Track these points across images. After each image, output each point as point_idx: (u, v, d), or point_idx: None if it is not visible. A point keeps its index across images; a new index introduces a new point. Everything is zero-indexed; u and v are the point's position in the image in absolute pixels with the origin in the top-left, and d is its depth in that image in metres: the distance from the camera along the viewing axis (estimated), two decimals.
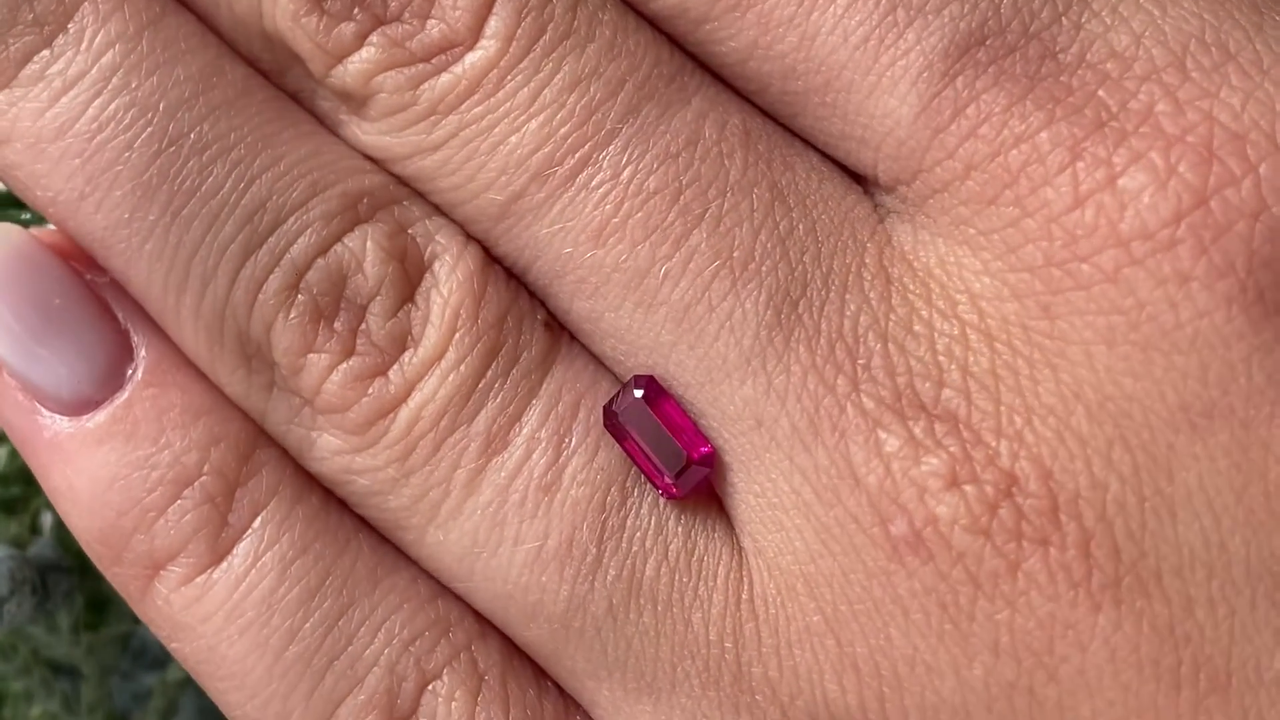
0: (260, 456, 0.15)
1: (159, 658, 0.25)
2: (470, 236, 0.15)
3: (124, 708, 0.25)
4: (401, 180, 0.15)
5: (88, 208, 0.15)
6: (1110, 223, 0.13)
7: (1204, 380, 0.13)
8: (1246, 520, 0.13)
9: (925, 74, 0.13)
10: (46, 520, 0.24)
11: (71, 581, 0.24)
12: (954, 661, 0.13)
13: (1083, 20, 0.13)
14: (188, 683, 0.24)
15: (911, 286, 0.14)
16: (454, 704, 0.15)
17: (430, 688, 0.15)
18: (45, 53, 0.15)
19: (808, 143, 0.15)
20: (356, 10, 0.15)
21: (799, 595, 0.14)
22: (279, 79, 0.15)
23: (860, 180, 0.15)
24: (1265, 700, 0.13)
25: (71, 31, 0.15)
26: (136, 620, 0.24)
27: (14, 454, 0.24)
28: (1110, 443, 0.13)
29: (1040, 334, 0.13)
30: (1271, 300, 0.13)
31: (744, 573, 0.14)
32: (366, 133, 0.15)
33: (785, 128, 0.15)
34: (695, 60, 0.15)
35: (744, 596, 0.14)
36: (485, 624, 0.15)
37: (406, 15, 0.15)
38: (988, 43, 0.13)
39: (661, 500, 0.15)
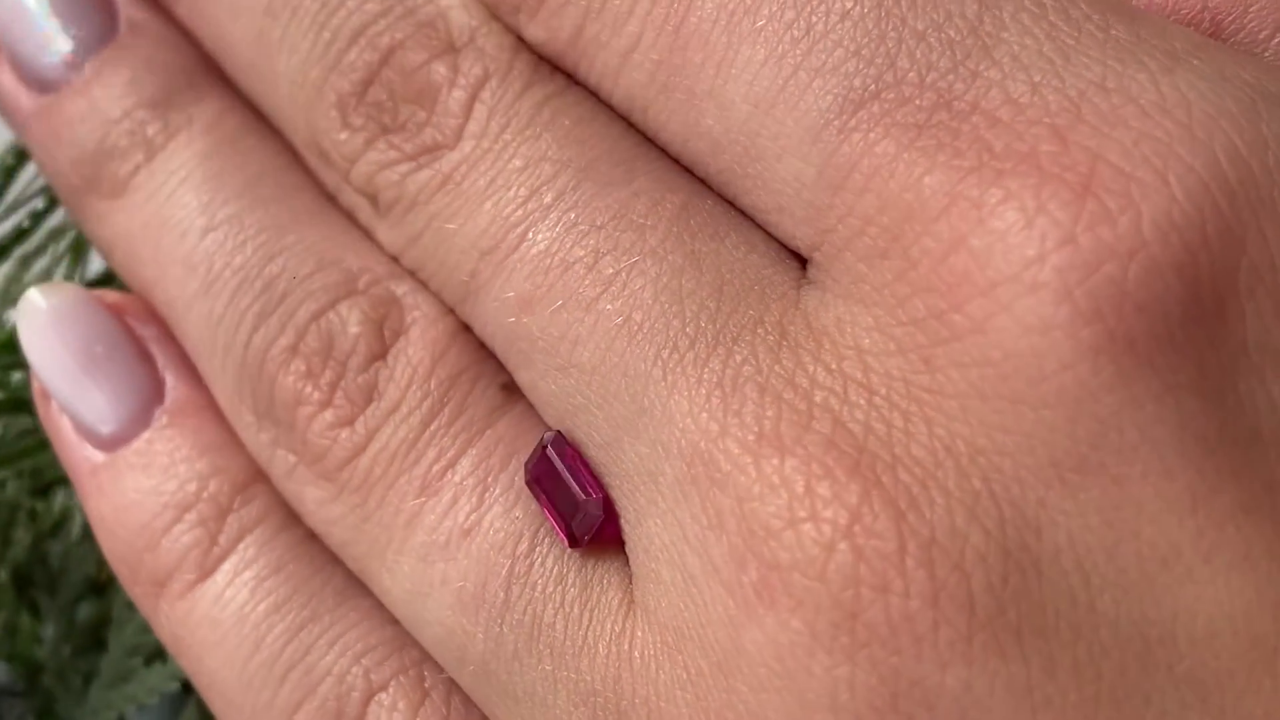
0: (255, 490, 0.17)
1: None
2: (450, 311, 0.16)
3: None
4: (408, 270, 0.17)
5: (154, 289, 0.18)
6: (979, 267, 0.12)
7: (1073, 436, 0.12)
8: (1117, 580, 0.12)
9: (824, 132, 0.13)
10: None
11: (23, 706, 0.24)
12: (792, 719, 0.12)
13: (980, 69, 0.13)
14: None
15: (804, 344, 0.14)
16: (395, 714, 0.16)
17: (376, 698, 0.16)
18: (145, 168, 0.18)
19: (754, 221, 0.15)
20: (371, 121, 0.16)
21: (670, 649, 0.14)
22: (320, 175, 0.18)
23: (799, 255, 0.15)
24: None
25: (169, 149, 0.18)
26: None
27: None
28: (977, 495, 0.12)
29: (920, 388, 0.13)
30: (1144, 350, 0.12)
31: (628, 624, 0.14)
32: (380, 229, 0.17)
33: (734, 206, 0.15)
34: (658, 147, 0.16)
35: (625, 648, 0.14)
36: None
37: (410, 124, 0.16)
38: (883, 96, 0.13)
39: (567, 552, 0.15)
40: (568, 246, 0.15)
